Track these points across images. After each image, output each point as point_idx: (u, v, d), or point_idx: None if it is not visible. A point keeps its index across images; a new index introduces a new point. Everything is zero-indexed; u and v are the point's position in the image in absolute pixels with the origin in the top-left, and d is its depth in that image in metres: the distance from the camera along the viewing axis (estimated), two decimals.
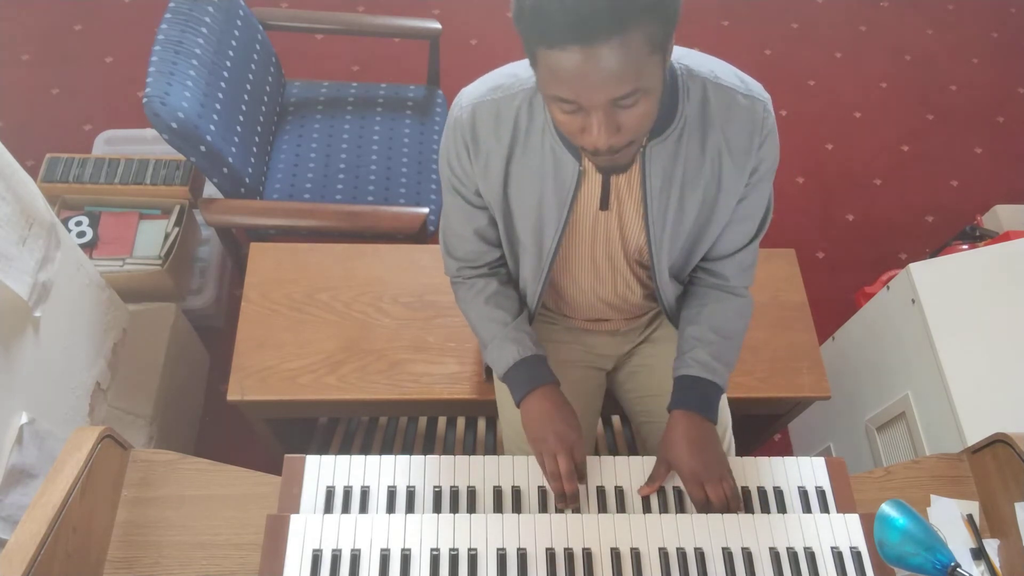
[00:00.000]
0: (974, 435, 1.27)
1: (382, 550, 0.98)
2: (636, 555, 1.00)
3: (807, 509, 1.09)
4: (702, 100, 0.96)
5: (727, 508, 1.06)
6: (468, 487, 1.08)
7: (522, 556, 0.99)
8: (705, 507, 1.06)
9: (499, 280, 1.20)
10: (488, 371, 1.37)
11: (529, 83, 0.98)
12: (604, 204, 1.04)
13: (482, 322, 1.18)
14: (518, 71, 1.00)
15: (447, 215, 1.15)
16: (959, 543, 1.07)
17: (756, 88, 1.00)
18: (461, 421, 1.68)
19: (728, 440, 1.27)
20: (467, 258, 1.17)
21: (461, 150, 1.03)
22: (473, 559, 0.99)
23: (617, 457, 1.13)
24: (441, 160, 1.08)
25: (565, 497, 1.06)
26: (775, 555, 1.02)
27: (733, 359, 1.17)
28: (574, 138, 0.89)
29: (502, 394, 1.31)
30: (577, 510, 1.07)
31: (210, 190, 1.96)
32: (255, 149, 1.79)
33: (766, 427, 1.67)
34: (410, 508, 1.06)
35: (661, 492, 1.11)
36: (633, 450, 1.62)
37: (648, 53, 0.78)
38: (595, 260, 1.13)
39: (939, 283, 1.48)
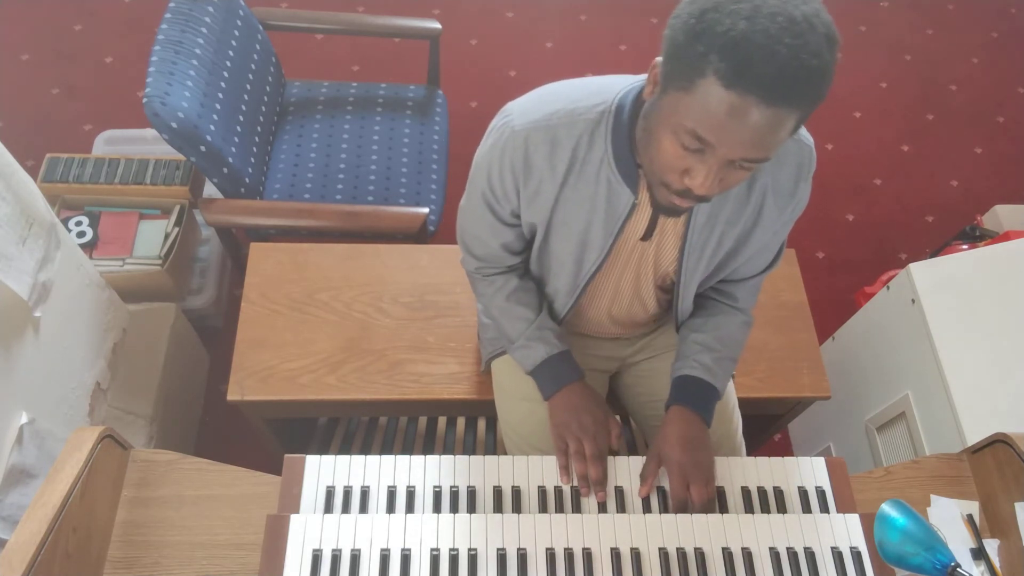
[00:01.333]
0: (974, 435, 1.27)
1: (382, 550, 0.98)
2: (636, 555, 1.00)
3: (807, 509, 1.09)
4: None
5: (704, 511, 1.06)
6: (468, 487, 1.08)
7: (522, 556, 0.99)
8: (682, 506, 1.07)
9: (518, 275, 1.20)
10: (487, 364, 1.37)
11: (591, 113, 0.95)
12: (648, 235, 1.05)
13: (505, 319, 1.19)
14: (579, 97, 0.96)
15: (471, 220, 1.12)
16: (959, 543, 1.07)
17: (804, 132, 1.00)
18: (461, 421, 1.68)
19: (738, 442, 1.28)
20: (488, 259, 1.17)
21: (507, 174, 1.00)
22: (473, 559, 0.99)
23: (617, 457, 1.13)
24: (479, 172, 1.04)
25: (585, 480, 1.08)
26: (775, 555, 1.02)
27: (730, 371, 1.20)
28: (668, 173, 0.86)
29: (501, 396, 1.31)
30: (603, 499, 1.08)
31: (210, 190, 1.96)
32: (255, 149, 1.79)
33: (766, 427, 1.67)
34: (410, 508, 1.06)
35: (661, 492, 1.11)
36: (633, 450, 1.62)
37: (791, 131, 0.79)
38: (620, 284, 1.15)
39: (939, 283, 1.48)
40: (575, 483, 1.10)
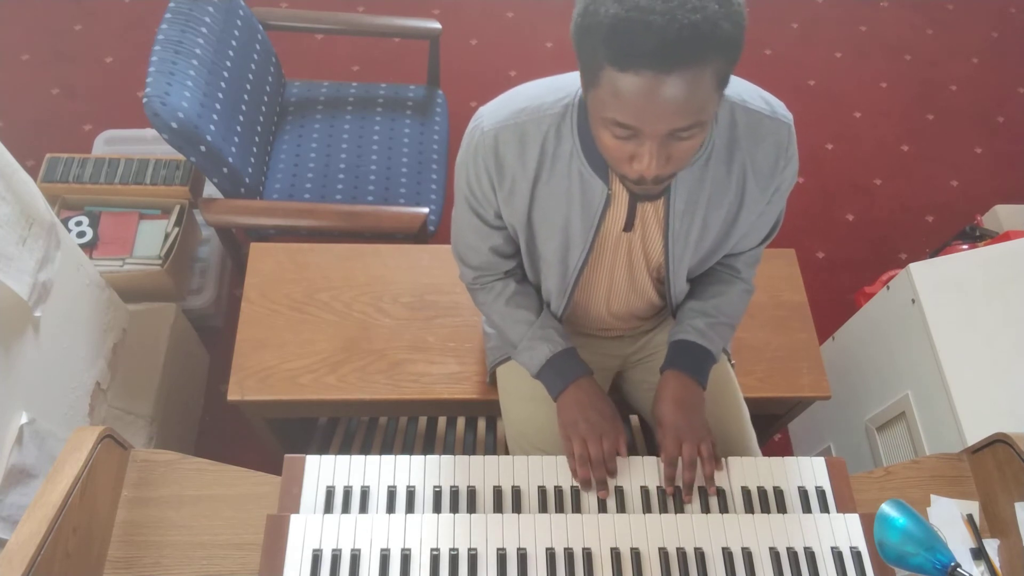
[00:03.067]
0: (974, 435, 1.26)
1: (382, 550, 0.98)
2: (636, 555, 1.00)
3: (807, 509, 1.09)
4: (730, 124, 0.97)
5: (703, 474, 1.07)
6: (468, 487, 1.08)
7: (522, 556, 0.99)
8: (672, 464, 1.08)
9: (516, 280, 1.20)
10: (492, 375, 1.37)
11: (556, 108, 0.97)
12: (628, 226, 1.05)
13: (507, 324, 1.19)
14: (543, 94, 0.98)
15: (460, 228, 1.14)
16: (959, 543, 1.07)
17: (781, 110, 1.00)
18: (461, 421, 1.68)
19: (749, 434, 1.27)
20: (483, 267, 1.18)
21: (483, 175, 1.01)
22: (473, 559, 0.99)
23: (617, 457, 1.13)
24: (459, 177, 1.06)
25: (590, 484, 1.08)
26: (775, 555, 1.02)
27: (727, 337, 1.20)
28: (619, 164, 0.87)
29: (505, 398, 1.31)
30: (606, 496, 1.09)
31: (210, 190, 1.96)
32: (255, 149, 1.79)
33: (766, 427, 1.67)
34: (410, 508, 1.06)
35: (661, 492, 1.10)
36: (633, 450, 1.62)
37: (714, 88, 0.78)
38: (613, 277, 1.15)
39: (939, 283, 1.48)
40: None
